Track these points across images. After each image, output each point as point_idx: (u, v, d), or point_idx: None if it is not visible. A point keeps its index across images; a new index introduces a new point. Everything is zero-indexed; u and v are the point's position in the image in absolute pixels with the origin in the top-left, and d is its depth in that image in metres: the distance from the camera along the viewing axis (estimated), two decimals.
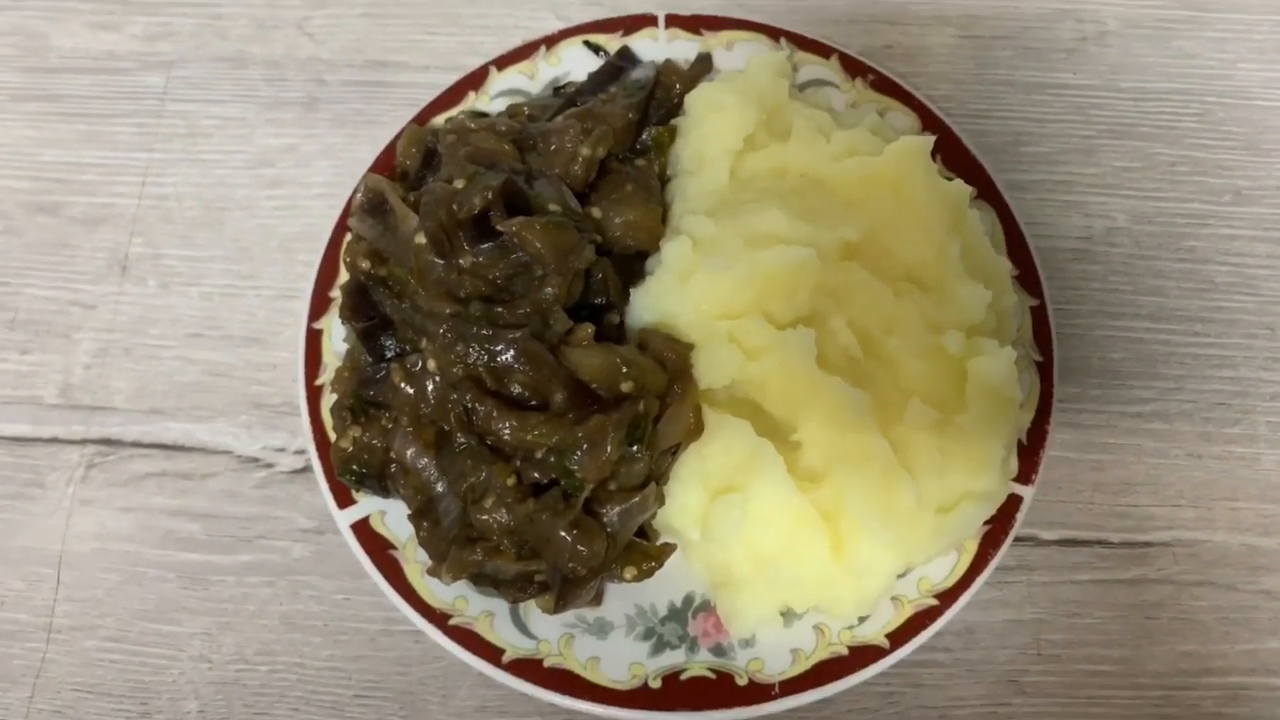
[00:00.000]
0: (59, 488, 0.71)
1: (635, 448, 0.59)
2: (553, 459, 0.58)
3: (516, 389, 0.59)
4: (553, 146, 0.65)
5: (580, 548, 0.57)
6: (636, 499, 0.60)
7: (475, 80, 0.75)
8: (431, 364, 0.59)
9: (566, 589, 0.59)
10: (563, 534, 0.57)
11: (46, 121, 0.81)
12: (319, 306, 0.68)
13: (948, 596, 0.63)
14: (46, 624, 0.68)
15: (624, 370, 0.58)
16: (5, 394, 0.73)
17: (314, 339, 0.67)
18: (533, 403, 0.59)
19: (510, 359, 0.58)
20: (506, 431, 0.58)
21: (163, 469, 0.72)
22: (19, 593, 0.69)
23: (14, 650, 0.67)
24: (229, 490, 0.71)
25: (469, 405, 0.58)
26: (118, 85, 0.82)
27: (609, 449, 0.57)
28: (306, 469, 0.71)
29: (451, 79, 0.76)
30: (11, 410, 0.73)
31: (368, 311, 0.63)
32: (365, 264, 0.63)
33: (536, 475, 0.59)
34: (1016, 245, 0.71)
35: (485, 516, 0.58)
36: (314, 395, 0.66)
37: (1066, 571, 0.69)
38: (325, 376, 0.66)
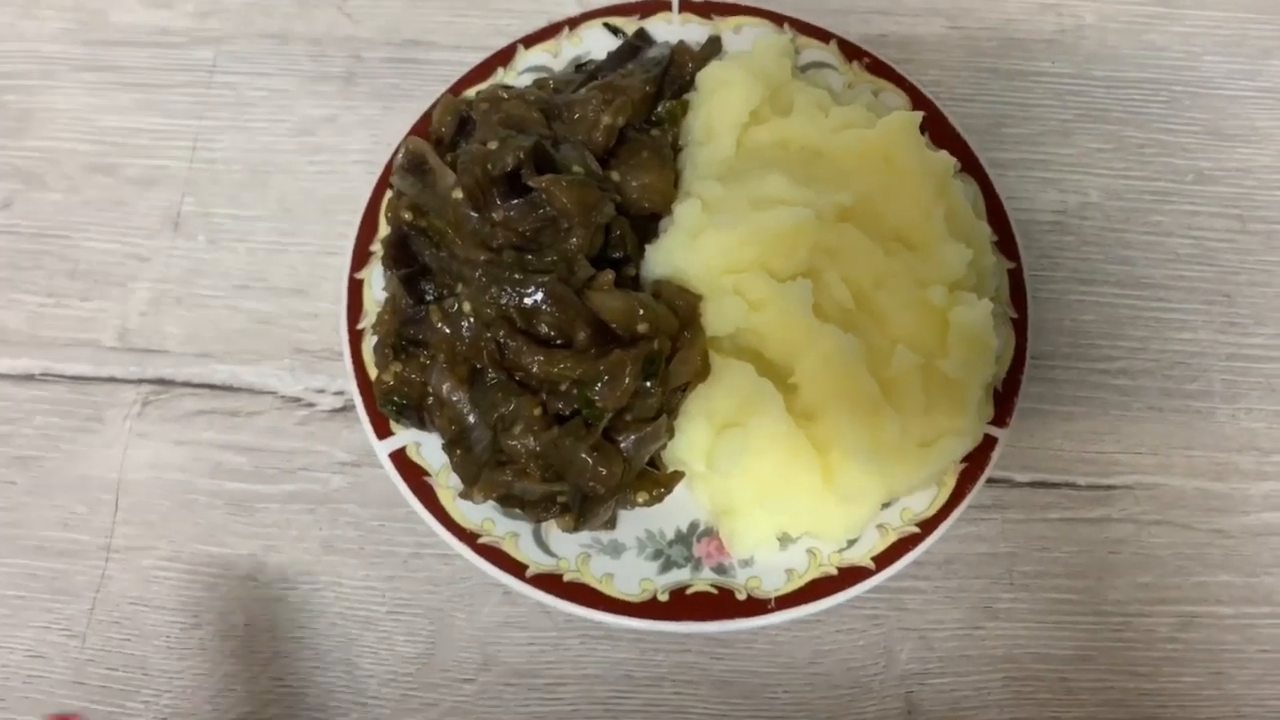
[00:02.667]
0: (117, 423, 0.77)
1: (649, 383, 0.65)
2: (575, 391, 0.65)
3: (544, 328, 0.65)
4: (577, 115, 0.72)
5: (600, 468, 0.64)
6: (649, 429, 0.66)
7: (504, 57, 0.81)
8: (467, 306, 0.65)
9: (586, 508, 0.65)
10: (584, 456, 0.64)
11: (105, 90, 0.87)
12: (360, 259, 0.74)
13: (928, 525, 0.69)
14: (106, 544, 0.73)
15: (641, 312, 0.65)
16: (68, 337, 0.79)
17: (356, 288, 0.73)
18: (558, 341, 0.65)
19: (539, 301, 0.64)
20: (535, 366, 0.64)
21: (212, 407, 0.77)
22: (81, 516, 0.74)
23: (77, 567, 0.73)
24: (273, 427, 0.77)
25: (501, 343, 0.65)
26: (170, 58, 0.88)
27: (627, 381, 0.63)
28: (344, 409, 0.76)
29: (479, 58, 0.82)
30: (74, 352, 0.79)
31: (409, 260, 0.69)
32: (407, 215, 0.69)
33: (560, 406, 0.65)
34: (996, 215, 0.77)
35: (514, 443, 0.64)
36: (356, 338, 0.72)
37: (1037, 510, 0.75)
38: (366, 321, 0.72)
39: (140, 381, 0.78)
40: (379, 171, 0.77)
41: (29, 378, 0.78)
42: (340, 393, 0.77)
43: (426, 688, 0.71)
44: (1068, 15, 0.90)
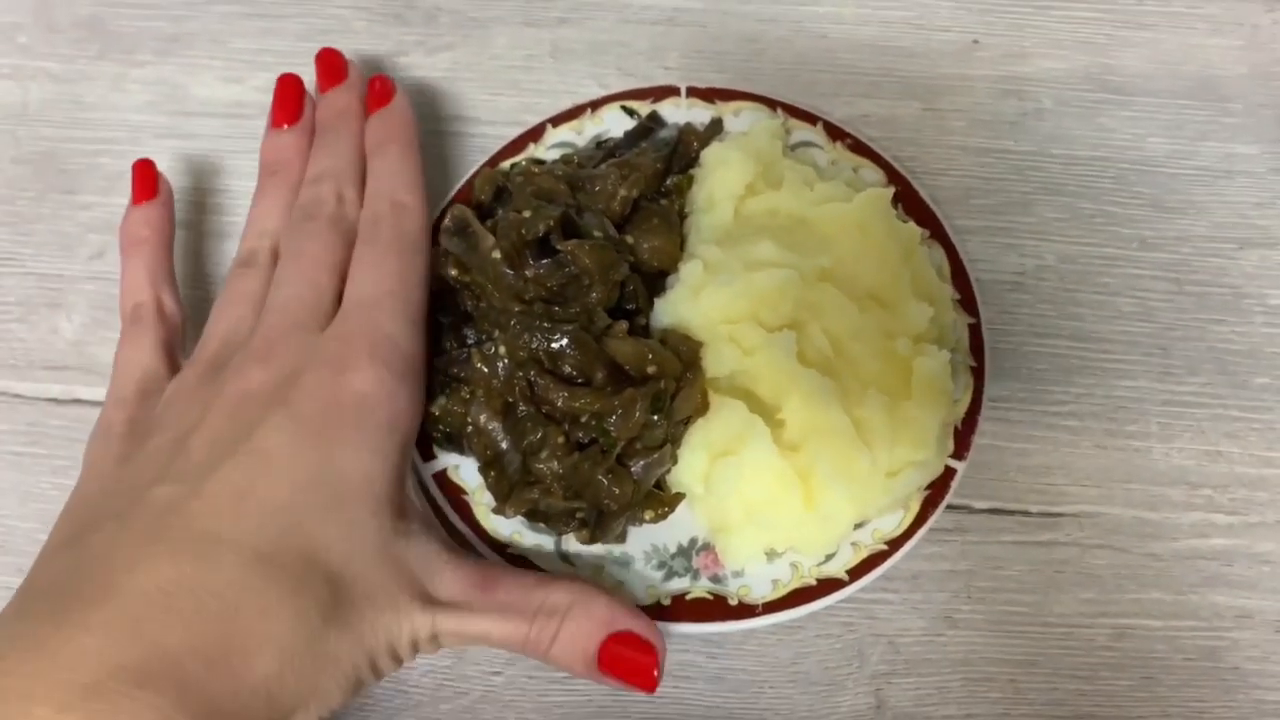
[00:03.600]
0: None
1: (656, 417, 0.75)
2: (594, 422, 0.75)
3: (567, 369, 0.76)
4: (597, 187, 0.83)
5: (614, 488, 0.74)
6: (656, 455, 0.76)
7: (535, 134, 0.92)
8: (503, 349, 0.76)
9: (600, 523, 0.76)
10: (600, 478, 0.74)
11: (184, 155, 0.98)
12: None
13: (895, 543, 0.79)
14: None
15: (650, 356, 0.76)
16: None
17: None
18: (580, 380, 0.76)
19: (564, 346, 0.75)
20: (560, 401, 0.75)
21: None
22: None
23: None
24: None
25: (531, 381, 0.76)
26: (242, 127, 0.99)
27: (637, 414, 0.74)
28: None
29: (513, 132, 0.92)
30: None
31: (454, 309, 0.81)
32: (453, 272, 0.80)
33: (581, 435, 0.76)
34: (960, 277, 0.88)
35: (541, 466, 0.75)
36: None
37: (993, 534, 0.85)
38: None
39: None
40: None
41: None
42: None
43: (459, 679, 0.81)
44: (1029, 100, 1.01)
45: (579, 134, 0.92)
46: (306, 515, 0.60)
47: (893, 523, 0.80)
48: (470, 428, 0.77)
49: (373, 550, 0.62)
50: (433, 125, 1.00)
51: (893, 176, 0.91)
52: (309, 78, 1.00)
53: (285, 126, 0.86)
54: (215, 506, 0.59)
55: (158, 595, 0.55)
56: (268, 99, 1.00)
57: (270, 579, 0.57)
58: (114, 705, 0.51)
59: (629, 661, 0.66)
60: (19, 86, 1.02)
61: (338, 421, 0.64)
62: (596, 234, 0.80)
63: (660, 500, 0.80)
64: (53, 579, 0.58)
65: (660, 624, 0.76)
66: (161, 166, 0.97)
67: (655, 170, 0.85)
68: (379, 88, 0.86)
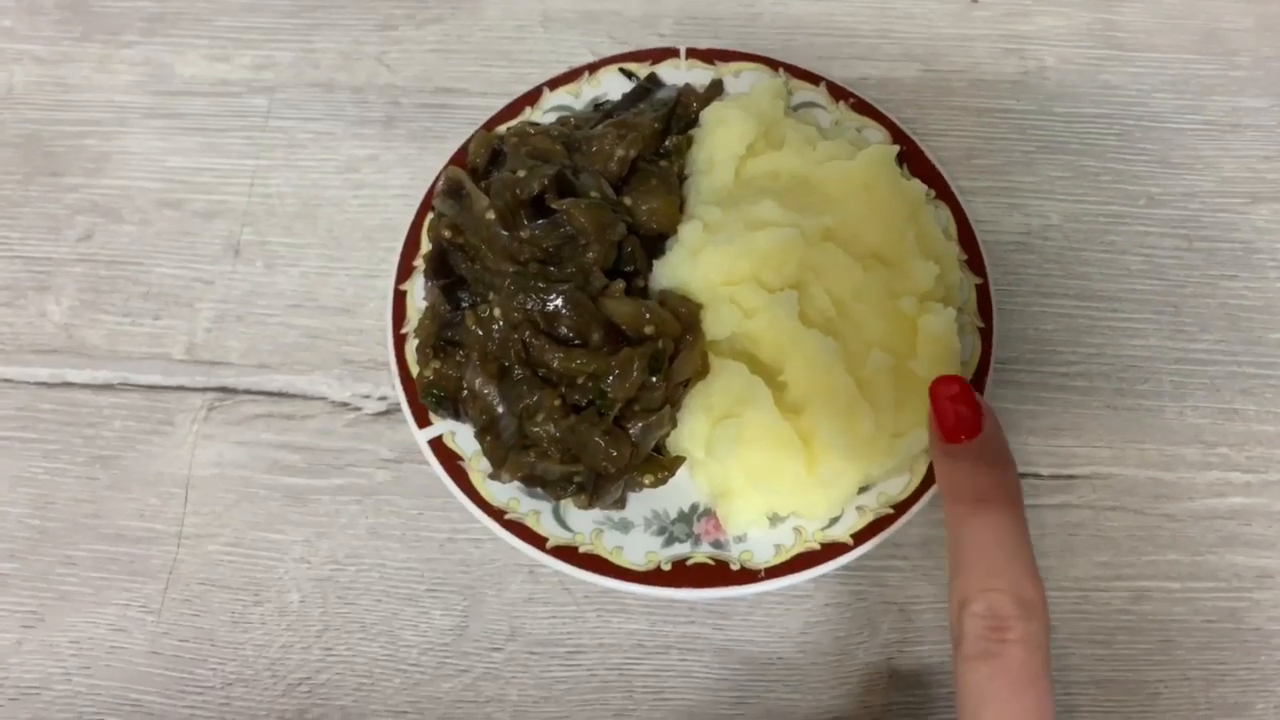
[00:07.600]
0: (185, 425, 0.86)
1: (655, 378, 0.74)
2: (590, 384, 0.73)
3: (563, 330, 0.74)
4: (594, 148, 0.81)
5: (611, 450, 0.72)
6: (655, 418, 0.74)
7: (531, 98, 0.90)
8: (497, 311, 0.75)
9: (599, 487, 0.74)
10: (598, 439, 0.72)
11: (171, 135, 0.97)
12: (404, 273, 0.83)
13: (901, 507, 0.76)
14: (177, 531, 0.82)
15: (647, 316, 0.74)
16: (142, 351, 0.88)
17: (400, 298, 0.82)
18: (576, 341, 0.74)
19: (559, 306, 0.73)
20: (555, 362, 0.73)
21: (269, 411, 0.86)
22: (155, 508, 0.83)
23: (151, 552, 0.82)
24: (324, 428, 0.85)
25: (526, 343, 0.74)
26: (229, 105, 0.98)
27: (635, 374, 0.72)
28: (387, 412, 0.85)
29: (503, 103, 0.91)
30: (147, 364, 0.88)
31: (447, 271, 0.79)
32: (447, 233, 0.78)
33: (577, 397, 0.74)
34: (967, 237, 0.85)
35: (537, 429, 0.73)
36: (399, 341, 0.81)
37: None
38: (409, 326, 0.81)
39: (206, 390, 0.87)
40: (417, 203, 0.86)
41: (108, 387, 0.88)
42: (384, 398, 0.86)
43: (460, 656, 0.79)
44: (1030, 59, 0.99)
45: (576, 97, 0.91)
46: None
47: (898, 486, 0.78)
48: (465, 392, 0.75)
49: None
50: (422, 98, 0.98)
51: (897, 135, 0.89)
52: (294, 54, 0.99)
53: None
54: None
55: None
56: (256, 77, 1.00)
57: None
58: None
59: None
60: (2, 70, 1.01)
61: None
62: (593, 194, 0.78)
63: (660, 464, 0.78)
64: None
65: (661, 589, 0.75)
66: (148, 146, 0.97)
67: (654, 130, 0.84)
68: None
